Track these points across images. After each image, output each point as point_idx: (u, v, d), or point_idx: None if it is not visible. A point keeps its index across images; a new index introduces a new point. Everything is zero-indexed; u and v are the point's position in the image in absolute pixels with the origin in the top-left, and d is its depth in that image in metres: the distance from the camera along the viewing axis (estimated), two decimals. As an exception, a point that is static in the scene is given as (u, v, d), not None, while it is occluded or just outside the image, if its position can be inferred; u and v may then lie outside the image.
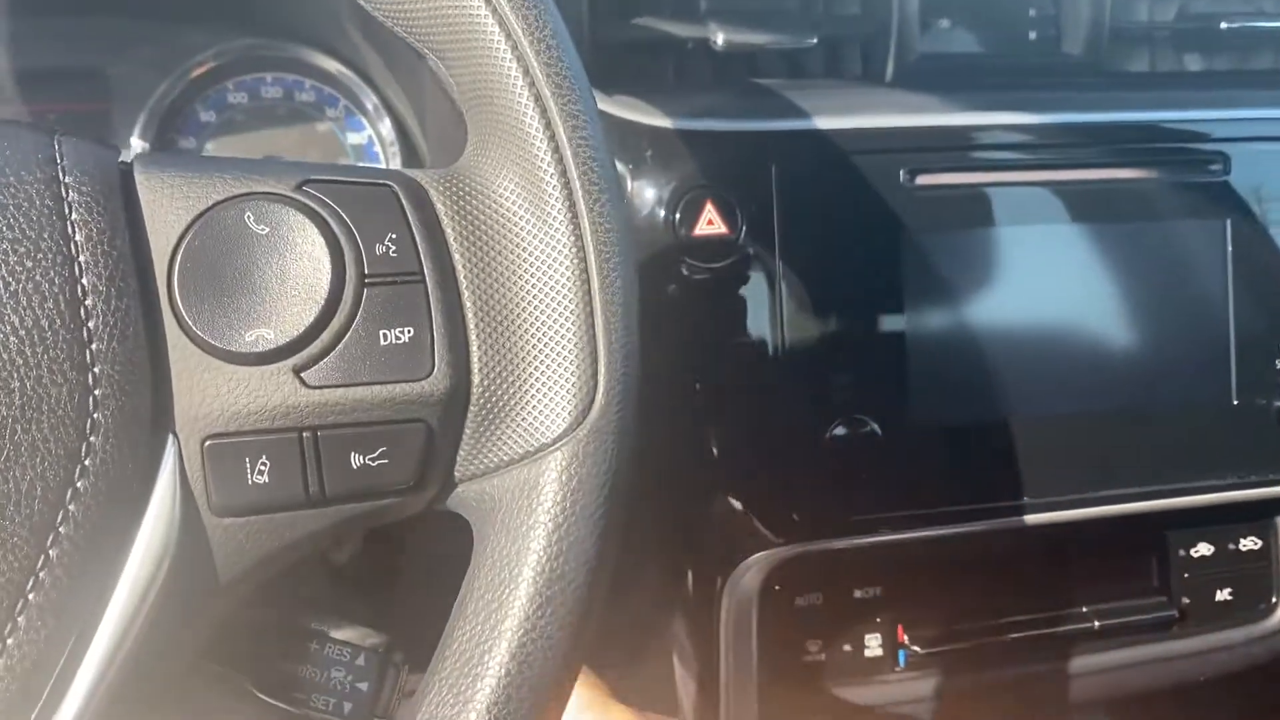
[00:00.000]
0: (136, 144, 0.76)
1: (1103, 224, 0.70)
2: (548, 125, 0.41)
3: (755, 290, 0.66)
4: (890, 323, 0.67)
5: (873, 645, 0.75)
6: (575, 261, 0.40)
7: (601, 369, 0.40)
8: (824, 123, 0.67)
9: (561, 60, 0.41)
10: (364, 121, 0.82)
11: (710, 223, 0.64)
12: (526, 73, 0.41)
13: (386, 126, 0.80)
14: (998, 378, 0.68)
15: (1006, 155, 0.70)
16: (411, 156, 0.80)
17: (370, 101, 0.80)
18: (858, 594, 0.75)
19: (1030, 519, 0.69)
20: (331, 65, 0.80)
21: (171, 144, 0.78)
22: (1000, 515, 0.69)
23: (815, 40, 0.70)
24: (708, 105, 0.67)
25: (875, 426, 0.67)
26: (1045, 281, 0.69)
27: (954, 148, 0.69)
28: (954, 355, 0.68)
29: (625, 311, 0.41)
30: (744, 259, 0.65)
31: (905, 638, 0.75)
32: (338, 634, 0.47)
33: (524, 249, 0.41)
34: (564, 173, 0.41)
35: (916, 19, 0.73)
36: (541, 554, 0.39)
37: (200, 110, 0.79)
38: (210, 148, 0.79)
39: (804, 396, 0.67)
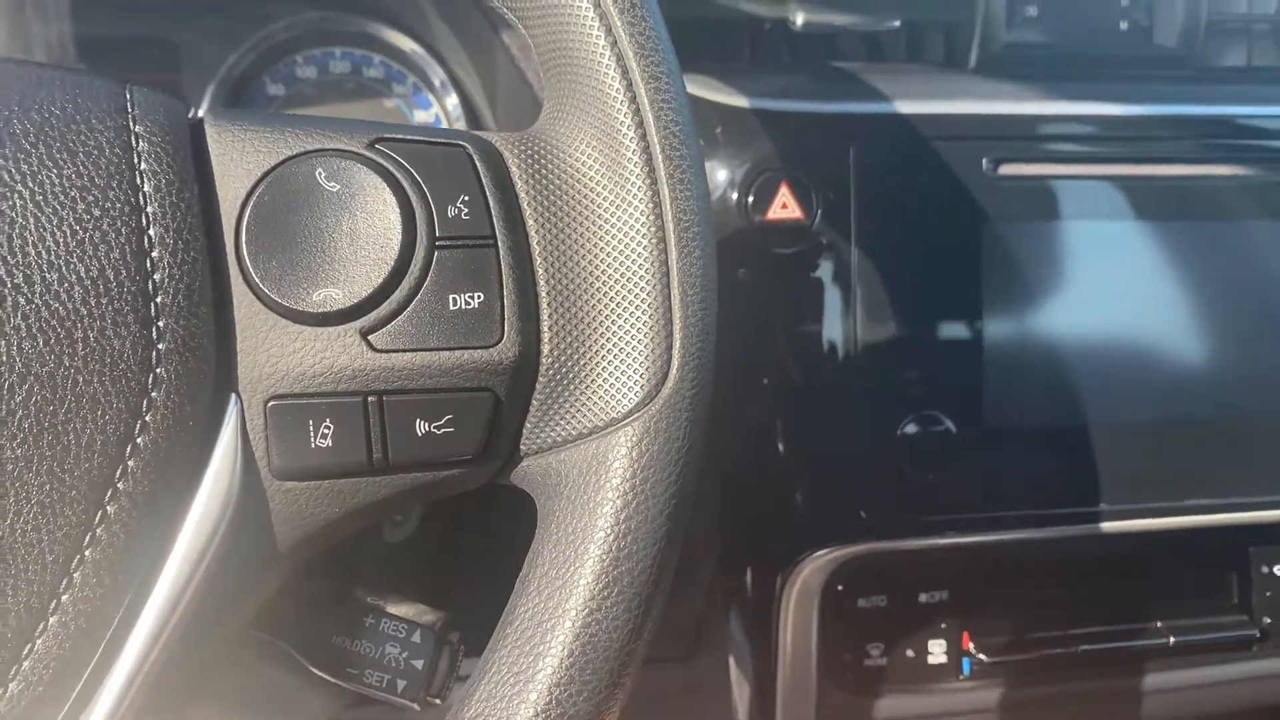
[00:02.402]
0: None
1: (1191, 222, 0.67)
2: (629, 87, 0.39)
3: (828, 278, 0.64)
4: (968, 318, 0.65)
5: (936, 652, 0.73)
6: (653, 230, 0.39)
7: (676, 344, 0.38)
8: (905, 107, 0.65)
9: (646, 20, 0.40)
10: (431, 98, 0.80)
11: (784, 206, 0.62)
12: (609, 32, 0.39)
13: (454, 103, 0.79)
14: (1077, 379, 0.65)
15: (1093, 147, 0.67)
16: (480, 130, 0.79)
17: (438, 78, 0.79)
18: (923, 598, 0.72)
19: (1105, 527, 0.66)
20: (401, 41, 0.79)
21: (239, 116, 0.78)
22: (1075, 522, 0.67)
23: (898, 23, 0.68)
24: (785, 85, 0.65)
25: (950, 425, 0.64)
26: (1129, 280, 0.66)
27: (1039, 138, 0.67)
28: (1033, 354, 0.65)
29: (703, 284, 0.39)
30: (817, 246, 0.63)
31: (971, 645, 0.73)
32: (394, 609, 0.46)
33: (600, 215, 0.39)
34: (644, 137, 0.39)
35: (1004, 5, 0.70)
36: (609, 531, 0.38)
37: (269, 83, 0.79)
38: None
39: (876, 391, 0.64)
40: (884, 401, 0.64)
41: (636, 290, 0.38)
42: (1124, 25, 0.73)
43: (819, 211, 0.62)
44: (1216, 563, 0.77)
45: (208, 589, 0.37)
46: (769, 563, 0.68)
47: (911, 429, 0.64)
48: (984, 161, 0.65)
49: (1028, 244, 0.65)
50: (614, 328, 0.39)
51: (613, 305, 0.39)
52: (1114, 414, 0.66)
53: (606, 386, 0.39)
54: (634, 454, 0.38)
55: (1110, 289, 0.66)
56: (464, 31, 0.72)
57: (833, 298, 0.63)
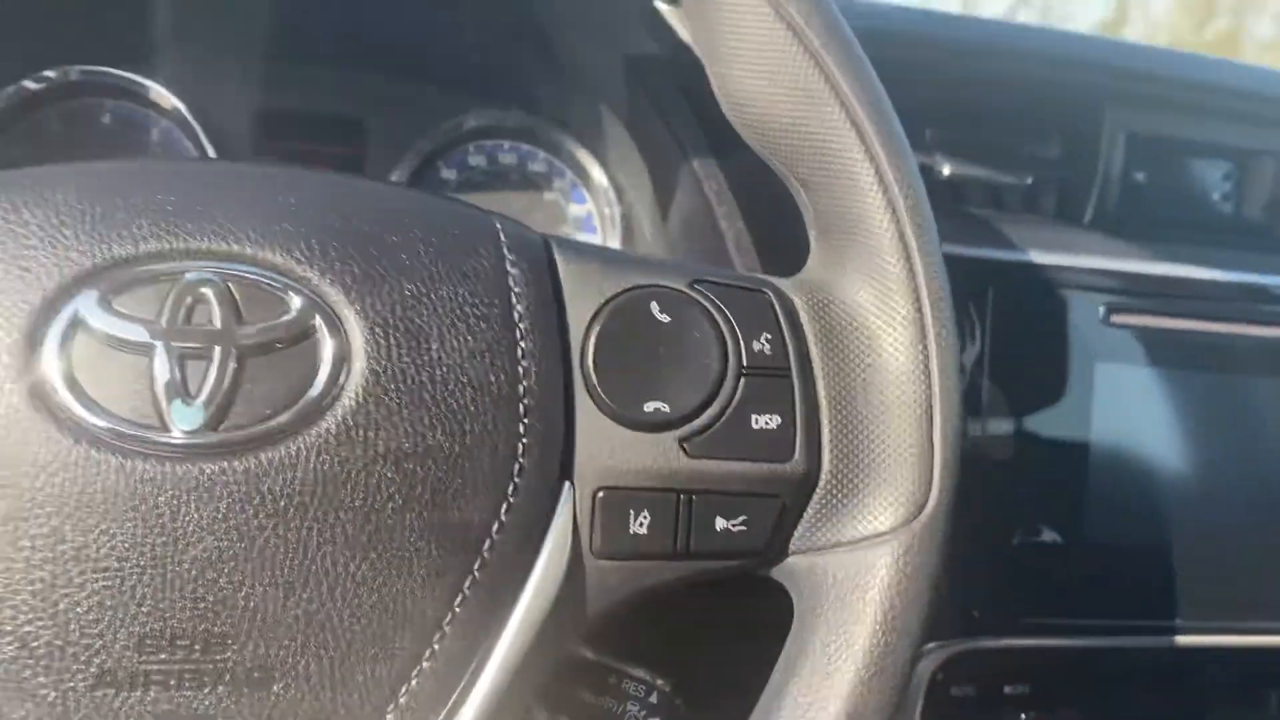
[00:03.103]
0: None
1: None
2: (907, 259, 0.47)
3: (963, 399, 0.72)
4: (1079, 443, 0.74)
5: (1016, 742, 0.80)
6: (920, 370, 0.47)
7: (936, 470, 0.46)
8: (1036, 256, 0.74)
9: (922, 202, 0.48)
10: (586, 195, 0.89)
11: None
12: (893, 214, 0.47)
13: (610, 203, 0.87)
14: (1174, 504, 0.74)
15: (1192, 306, 0.77)
16: (629, 234, 0.87)
17: (598, 179, 0.87)
18: (1007, 690, 0.80)
19: (1190, 640, 0.75)
20: (567, 141, 0.87)
21: (416, 196, 0.85)
22: (1162, 634, 0.75)
23: (1030, 180, 0.78)
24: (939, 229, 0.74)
25: (1057, 537, 0.73)
26: (1225, 426, 0.75)
27: (1148, 293, 0.76)
28: (1135, 480, 0.74)
29: (959, 423, 0.47)
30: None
31: (1046, 737, 0.80)
32: (635, 670, 0.53)
33: (875, 353, 0.47)
34: (917, 299, 0.47)
35: (1120, 169, 0.80)
36: (876, 628, 0.45)
37: (443, 167, 0.86)
38: (449, 203, 0.86)
39: (994, 500, 0.73)
40: (1001, 510, 0.73)
41: (906, 421, 0.46)
42: (1216, 195, 0.83)
43: (965, 342, 0.71)
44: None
45: (531, 654, 0.44)
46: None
47: (1025, 537, 0.73)
48: (1100, 309, 0.74)
49: (1134, 385, 0.74)
50: (885, 452, 0.46)
51: (885, 432, 0.47)
52: (1207, 538, 0.75)
53: (875, 502, 0.46)
54: (900, 563, 0.46)
55: (1206, 431, 0.75)
56: (646, 147, 0.80)
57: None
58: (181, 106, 0.81)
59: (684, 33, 0.69)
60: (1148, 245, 0.78)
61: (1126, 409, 0.74)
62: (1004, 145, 0.81)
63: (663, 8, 0.69)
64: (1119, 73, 0.79)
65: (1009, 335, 0.73)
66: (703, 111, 0.72)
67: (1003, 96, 0.79)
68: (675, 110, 0.73)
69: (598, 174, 0.87)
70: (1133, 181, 0.81)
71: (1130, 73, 0.79)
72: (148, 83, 0.80)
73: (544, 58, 0.80)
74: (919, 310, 0.47)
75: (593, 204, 0.88)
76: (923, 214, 0.48)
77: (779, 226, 0.70)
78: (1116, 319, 0.75)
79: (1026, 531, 0.73)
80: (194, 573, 0.39)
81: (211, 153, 0.81)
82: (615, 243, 0.87)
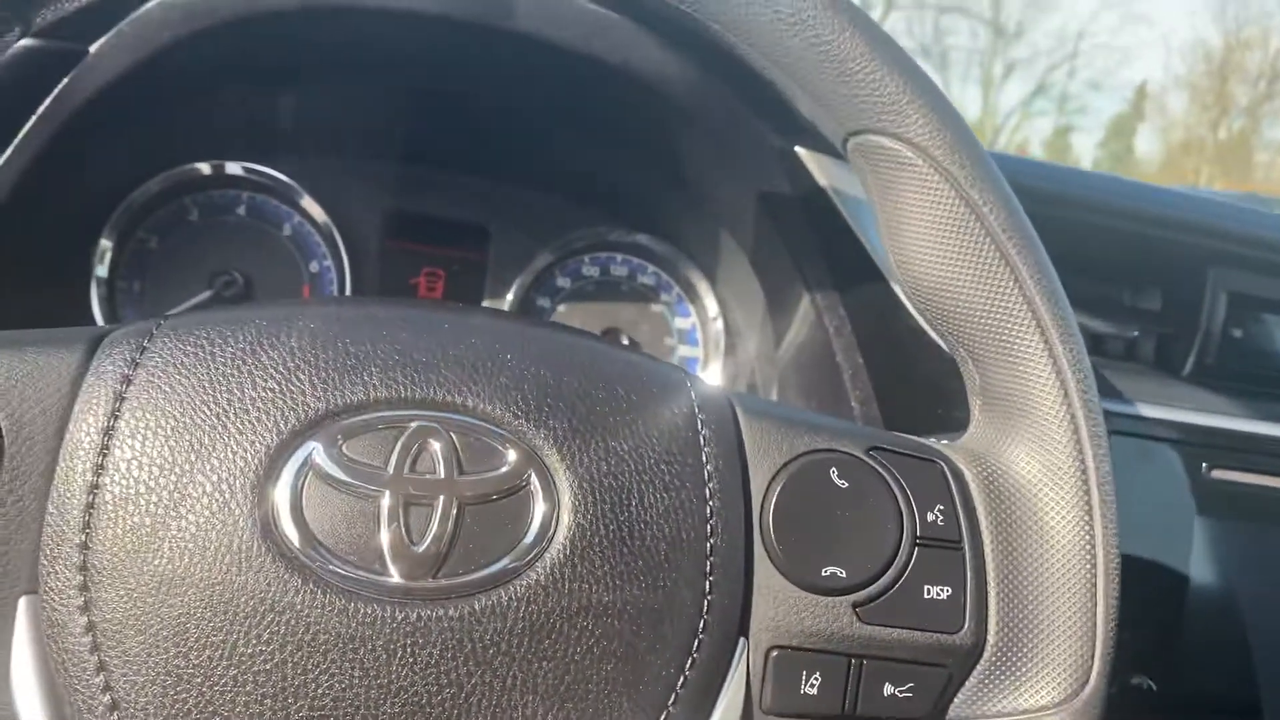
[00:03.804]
0: (509, 299, 0.86)
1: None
2: (1076, 439, 0.49)
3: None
4: (1177, 593, 0.75)
5: None
6: (1086, 553, 0.48)
7: (1098, 650, 0.48)
8: (1142, 409, 0.76)
9: (1091, 384, 0.50)
10: (691, 309, 0.91)
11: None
12: (1065, 394, 0.49)
13: (715, 322, 0.90)
14: (1269, 660, 0.75)
15: (1288, 464, 0.79)
16: (731, 351, 0.90)
17: (706, 296, 0.90)
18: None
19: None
20: (679, 258, 0.89)
21: (530, 302, 0.88)
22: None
23: (1136, 333, 0.80)
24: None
25: (1152, 684, 0.74)
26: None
27: (1248, 450, 0.78)
28: (1231, 632, 0.75)
29: (1118, 601, 0.49)
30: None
31: None
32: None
33: (1043, 531, 0.49)
34: (1085, 480, 0.49)
35: (1220, 326, 0.82)
36: None
37: (558, 275, 0.89)
38: (561, 310, 0.89)
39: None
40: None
41: (1071, 598, 0.48)
42: (1310, 355, 0.85)
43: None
44: None
45: None
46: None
47: (1120, 684, 0.74)
48: (1201, 464, 0.76)
49: (1233, 539, 0.76)
50: (1050, 628, 0.48)
51: (1051, 608, 0.48)
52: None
53: (1039, 677, 0.48)
54: None
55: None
56: (765, 275, 0.83)
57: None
58: (314, 203, 0.84)
59: (821, 177, 0.72)
60: (1245, 402, 0.80)
61: (1224, 563, 0.76)
62: (1107, 295, 0.83)
63: (801, 153, 0.72)
64: (1223, 234, 0.82)
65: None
66: (829, 250, 0.75)
67: (1109, 248, 0.82)
68: (802, 246, 0.75)
69: (706, 293, 0.90)
70: (1231, 338, 0.83)
71: (1234, 235, 0.82)
72: (287, 179, 0.83)
73: (673, 184, 0.83)
74: (1086, 489, 0.49)
75: (696, 318, 0.91)
76: (1092, 396, 0.50)
77: (898, 366, 0.73)
78: (1217, 474, 0.77)
79: (1123, 676, 0.74)
80: (402, 717, 0.40)
81: (342, 249, 0.84)
82: (718, 360, 0.89)
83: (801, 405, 0.81)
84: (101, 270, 0.80)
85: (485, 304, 0.88)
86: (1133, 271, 0.84)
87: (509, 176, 0.87)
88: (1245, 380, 0.83)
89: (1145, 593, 0.75)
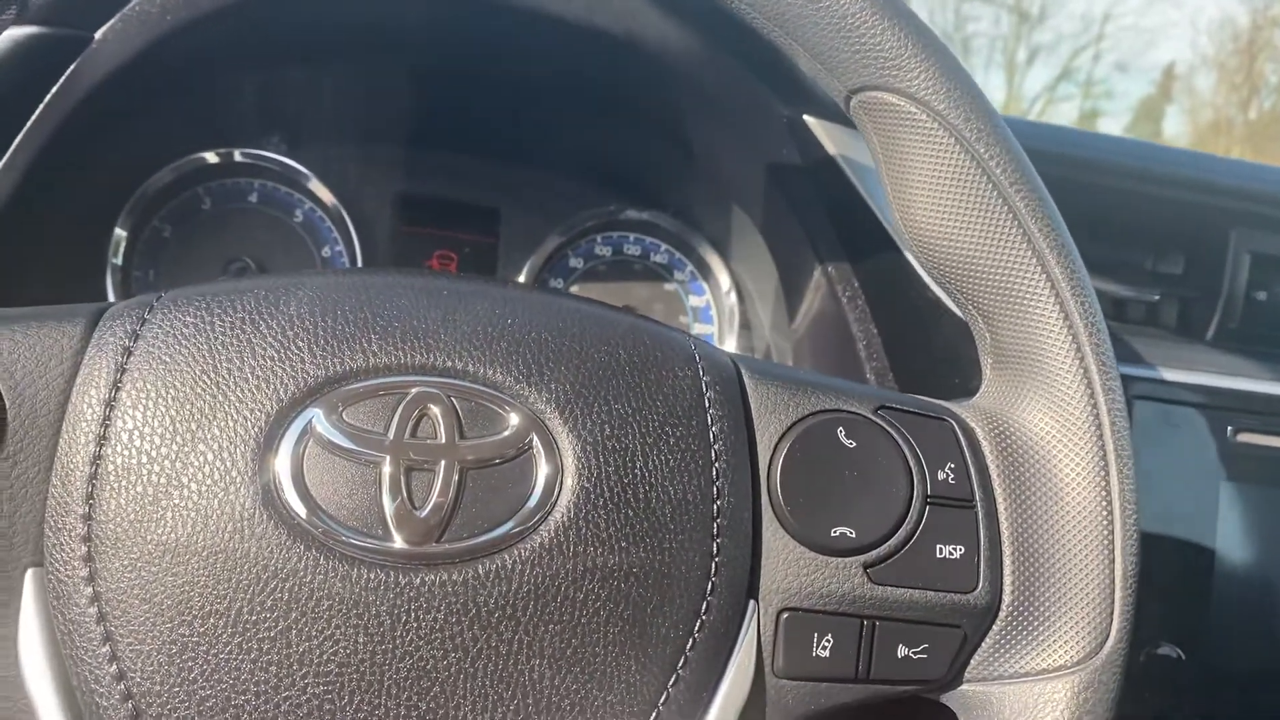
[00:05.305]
0: (521, 281, 0.86)
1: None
2: (1090, 393, 0.48)
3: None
4: (1203, 559, 0.74)
5: None
6: (1103, 509, 0.47)
7: (1117, 608, 0.47)
8: (1165, 373, 0.75)
9: (1105, 337, 0.49)
10: (705, 287, 0.91)
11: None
12: (1077, 348, 0.48)
13: (728, 297, 0.89)
14: (1296, 630, 0.74)
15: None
16: (746, 327, 0.89)
17: (719, 273, 0.89)
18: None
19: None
20: (692, 236, 0.89)
21: (543, 284, 0.88)
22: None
23: (1158, 296, 0.79)
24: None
25: (1180, 652, 0.73)
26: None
27: (1275, 413, 0.76)
28: (1258, 598, 0.74)
29: (1138, 559, 0.48)
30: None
31: None
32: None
33: (1059, 488, 0.48)
34: (1100, 434, 0.48)
35: (1243, 289, 0.81)
36: None
37: (571, 256, 0.89)
38: (575, 290, 0.88)
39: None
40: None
41: (1089, 555, 0.47)
42: (1337, 318, 0.84)
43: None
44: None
45: None
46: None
47: (1147, 653, 0.72)
48: (1226, 428, 0.75)
49: (1258, 504, 0.75)
50: (1066, 587, 0.47)
51: (1067, 565, 0.47)
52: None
53: (1056, 637, 0.47)
54: (1080, 699, 0.46)
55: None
56: (778, 249, 0.82)
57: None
58: (325, 188, 0.84)
59: (830, 146, 0.71)
60: (1272, 365, 0.78)
61: (1251, 529, 0.74)
62: (1129, 260, 0.82)
63: (810, 121, 0.71)
64: (1245, 194, 0.80)
65: (1136, 451, 0.73)
66: (839, 220, 0.74)
67: (1129, 212, 0.80)
68: (812, 217, 0.75)
69: (719, 269, 0.89)
70: (1254, 300, 0.82)
71: (1257, 195, 0.80)
72: (295, 165, 0.84)
73: (683, 160, 0.82)
74: (1101, 444, 0.48)
75: (710, 296, 0.90)
76: (1106, 349, 0.49)
77: (912, 332, 0.72)
78: (1243, 438, 0.75)
79: (1150, 646, 0.73)
80: (409, 680, 0.40)
81: (353, 234, 0.84)
82: (732, 335, 0.89)
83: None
84: (116, 260, 0.81)
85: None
86: (1154, 235, 0.82)
87: (519, 158, 0.87)
88: (1270, 344, 0.82)
89: (1171, 560, 0.74)
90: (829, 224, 0.74)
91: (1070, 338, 0.48)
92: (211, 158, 0.82)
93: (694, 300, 0.91)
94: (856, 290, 0.74)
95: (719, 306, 0.90)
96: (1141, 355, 0.76)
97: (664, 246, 0.90)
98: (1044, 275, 0.49)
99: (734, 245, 0.87)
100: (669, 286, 0.91)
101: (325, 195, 0.84)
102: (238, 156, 0.82)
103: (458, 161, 0.87)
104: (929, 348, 0.72)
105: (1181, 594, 0.74)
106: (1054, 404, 0.49)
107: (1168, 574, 0.74)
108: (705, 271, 0.90)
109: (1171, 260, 0.83)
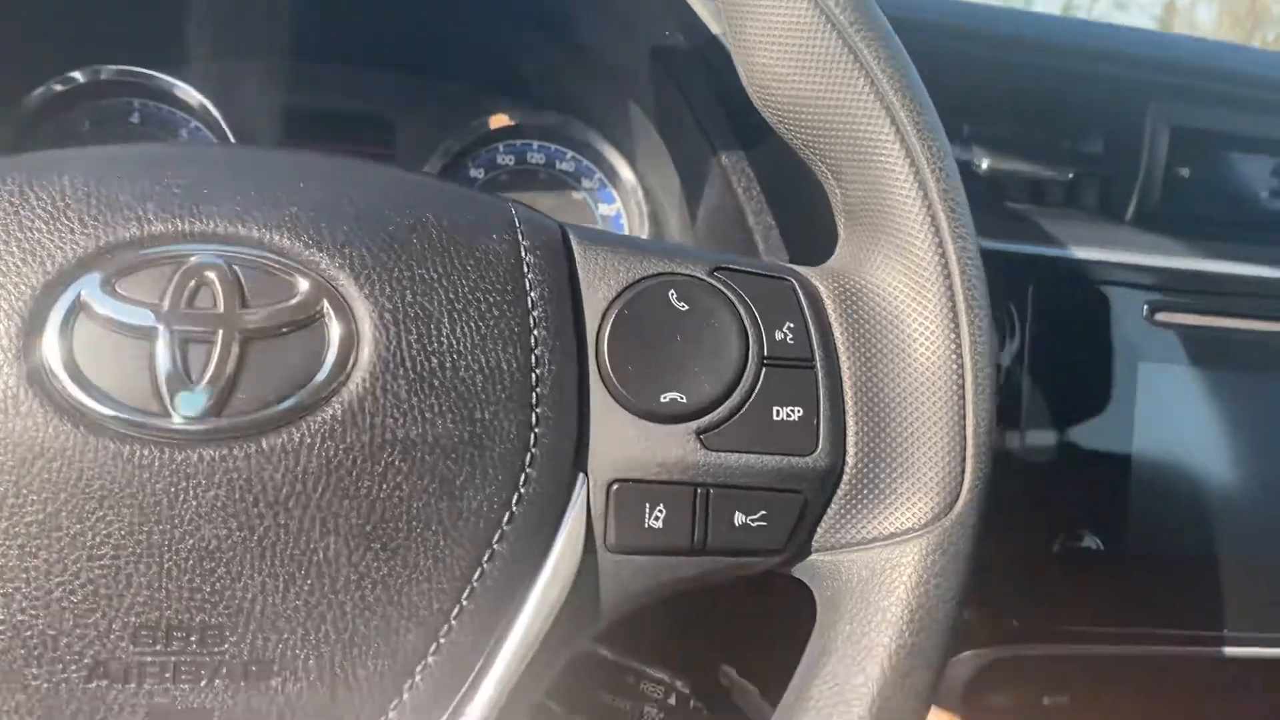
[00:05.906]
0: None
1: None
2: (939, 244, 0.45)
3: (1002, 399, 0.70)
4: (1121, 447, 0.71)
5: (1056, 753, 0.78)
6: (953, 363, 0.45)
7: (968, 465, 0.44)
8: (1078, 252, 0.72)
9: (955, 185, 0.46)
10: (614, 194, 0.88)
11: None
12: (925, 196, 0.46)
13: (639, 202, 0.86)
14: (1217, 513, 0.71)
15: (1238, 304, 0.74)
16: (657, 232, 0.86)
17: (626, 177, 0.86)
18: (1046, 700, 0.77)
19: (1231, 651, 0.72)
20: (596, 140, 0.86)
21: (443, 195, 0.85)
22: (1202, 644, 0.72)
23: (1072, 175, 0.75)
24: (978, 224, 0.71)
25: (1099, 543, 0.70)
26: (1271, 427, 0.72)
27: (1191, 291, 0.73)
28: (1178, 485, 0.71)
29: (991, 413, 0.45)
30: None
31: (1087, 750, 0.78)
32: (654, 671, 0.51)
33: (906, 345, 0.45)
34: (949, 285, 0.45)
35: (1162, 165, 0.77)
36: (903, 630, 0.43)
37: (470, 167, 0.86)
38: (476, 202, 0.85)
39: (1034, 505, 0.70)
40: (1041, 516, 0.70)
41: (936, 414, 0.44)
42: (1263, 192, 0.80)
43: (1003, 340, 0.69)
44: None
45: (545, 643, 0.43)
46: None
47: (1064, 544, 0.70)
48: (1143, 307, 0.72)
49: (1178, 385, 0.72)
50: (913, 445, 0.45)
51: (913, 425, 0.45)
52: (1252, 544, 0.72)
53: (902, 498, 0.44)
54: (928, 562, 0.44)
55: (1252, 432, 0.72)
56: (673, 143, 0.79)
57: (1004, 416, 0.70)
58: (210, 106, 0.81)
59: (710, 22, 0.68)
60: (1191, 242, 0.75)
61: (1170, 410, 0.71)
62: (1044, 140, 0.78)
63: (689, -2, 0.68)
64: (1163, 66, 0.77)
65: (1049, 334, 0.71)
66: (730, 104, 0.71)
67: (1043, 90, 0.77)
68: (702, 103, 0.71)
69: (626, 172, 0.86)
70: (1176, 177, 0.78)
71: (1174, 66, 0.77)
72: (176, 82, 0.80)
73: (571, 54, 0.79)
74: (951, 296, 0.45)
75: (621, 203, 0.87)
76: (956, 197, 0.46)
77: (808, 221, 0.69)
78: (1160, 317, 0.72)
79: (1067, 537, 0.70)
80: (191, 562, 0.38)
81: (239, 152, 0.81)
82: (644, 236, 0.86)
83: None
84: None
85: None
86: (1071, 112, 0.79)
87: (410, 68, 0.84)
88: (1191, 220, 0.78)
89: (1088, 446, 0.71)
90: (719, 111, 0.71)
91: (916, 184, 0.45)
92: (80, 76, 0.79)
93: (604, 209, 0.88)
94: (750, 179, 0.71)
95: (630, 213, 0.87)
96: (1056, 236, 0.73)
97: (570, 154, 0.87)
98: (889, 121, 0.46)
99: (638, 146, 0.84)
100: (577, 195, 0.88)
101: (208, 111, 0.81)
102: (105, 75, 0.79)
103: (347, 73, 0.84)
104: (828, 237, 0.69)
105: (1100, 483, 0.71)
106: (901, 256, 0.46)
107: (1085, 463, 0.71)
108: (615, 178, 0.87)
109: (1089, 138, 0.79)
